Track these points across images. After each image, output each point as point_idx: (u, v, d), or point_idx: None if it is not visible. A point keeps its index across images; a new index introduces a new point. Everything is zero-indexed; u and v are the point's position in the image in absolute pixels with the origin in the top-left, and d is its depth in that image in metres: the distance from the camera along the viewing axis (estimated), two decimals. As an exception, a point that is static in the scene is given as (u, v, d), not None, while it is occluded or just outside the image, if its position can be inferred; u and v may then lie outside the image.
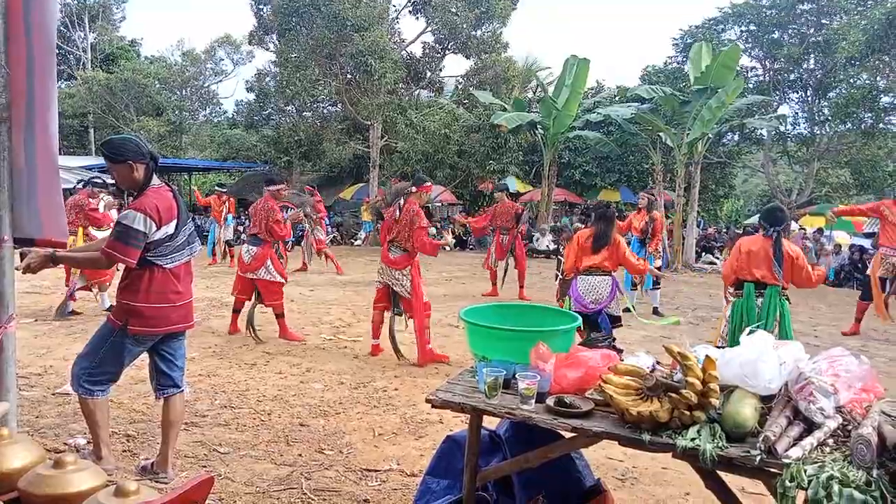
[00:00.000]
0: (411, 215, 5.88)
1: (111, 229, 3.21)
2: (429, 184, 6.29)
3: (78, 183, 8.08)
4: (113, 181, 3.52)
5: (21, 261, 3.01)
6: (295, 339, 6.66)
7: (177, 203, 3.24)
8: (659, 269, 9.12)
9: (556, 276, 9.74)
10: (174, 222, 3.19)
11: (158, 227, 3.11)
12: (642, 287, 9.01)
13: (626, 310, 9.12)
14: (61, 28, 27.23)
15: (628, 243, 9.20)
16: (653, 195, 9.51)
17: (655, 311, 9.03)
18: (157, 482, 3.26)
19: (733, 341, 5.09)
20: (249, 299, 6.79)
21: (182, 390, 3.44)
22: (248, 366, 5.68)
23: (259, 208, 6.68)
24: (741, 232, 14.06)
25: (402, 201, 5.97)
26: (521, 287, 10.12)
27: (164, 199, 3.16)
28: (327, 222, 21.42)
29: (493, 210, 10.47)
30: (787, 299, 5.13)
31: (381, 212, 6.31)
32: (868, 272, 8.32)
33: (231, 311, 7.02)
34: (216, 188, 14.74)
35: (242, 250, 6.70)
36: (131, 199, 3.39)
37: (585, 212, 6.17)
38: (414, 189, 6.04)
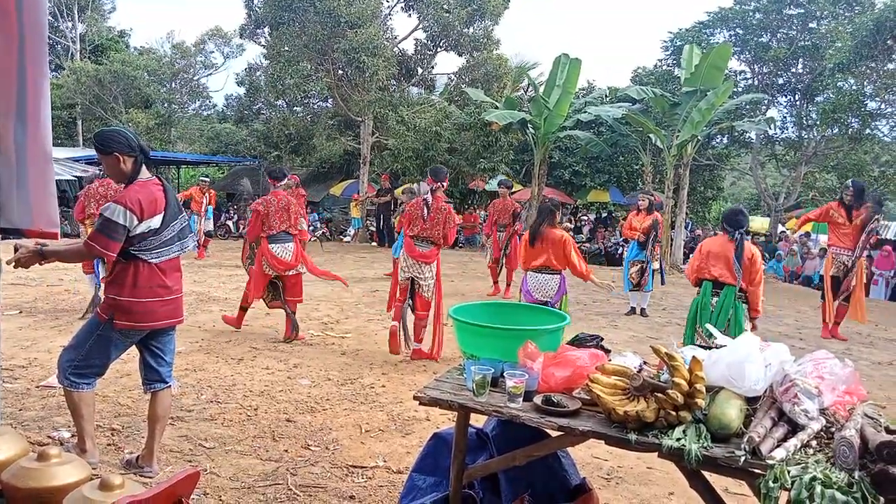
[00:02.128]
0: (445, 214, 6.01)
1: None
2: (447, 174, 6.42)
3: (97, 174, 7.87)
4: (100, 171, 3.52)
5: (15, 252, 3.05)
6: (300, 338, 6.63)
7: (166, 197, 3.21)
8: (655, 272, 9.13)
9: (508, 284, 9.79)
10: (159, 217, 3.16)
11: (140, 221, 3.08)
12: (644, 288, 8.97)
13: (633, 310, 9.18)
14: (49, 18, 26.94)
15: (626, 241, 9.22)
16: (652, 195, 9.50)
17: (642, 312, 9.08)
18: (141, 476, 3.25)
19: (688, 336, 5.33)
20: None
21: (169, 385, 3.42)
22: (234, 361, 5.66)
23: (281, 205, 6.50)
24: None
25: (430, 198, 5.99)
26: (508, 286, 10.14)
27: (149, 193, 3.14)
28: (316, 217, 21.35)
29: (493, 206, 10.57)
30: (745, 302, 5.31)
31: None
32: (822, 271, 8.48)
33: (239, 308, 6.92)
34: (201, 179, 14.63)
35: (276, 250, 6.49)
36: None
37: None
38: (444, 185, 6.14)
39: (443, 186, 6.13)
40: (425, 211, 5.96)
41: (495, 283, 10.46)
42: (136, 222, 3.07)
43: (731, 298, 5.18)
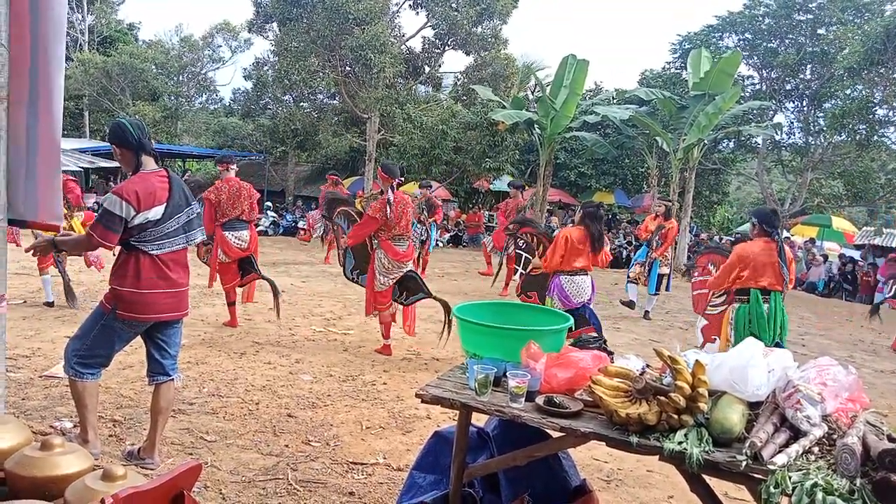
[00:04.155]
0: (408, 206, 5.96)
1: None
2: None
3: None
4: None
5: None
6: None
7: (170, 189, 3.22)
8: (662, 276, 9.14)
9: (519, 272, 9.57)
10: (159, 208, 3.16)
11: (137, 212, 3.09)
12: (648, 290, 9.00)
13: (630, 303, 9.17)
14: (59, 8, 26.85)
15: (638, 247, 9.31)
16: (670, 202, 9.59)
17: (646, 315, 9.08)
18: (143, 468, 3.25)
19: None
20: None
21: (171, 379, 3.42)
22: (237, 355, 5.67)
23: (232, 192, 6.46)
24: (733, 240, 14.14)
25: (391, 196, 5.80)
26: (506, 285, 10.15)
27: (148, 185, 3.15)
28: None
29: (506, 205, 10.66)
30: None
31: (361, 212, 6.25)
32: None
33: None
34: None
35: (229, 238, 6.49)
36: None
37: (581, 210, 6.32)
38: (403, 179, 6.09)
39: (401, 181, 6.07)
40: (388, 210, 5.76)
41: (489, 264, 10.70)
42: (133, 213, 3.08)
43: (781, 304, 5.02)
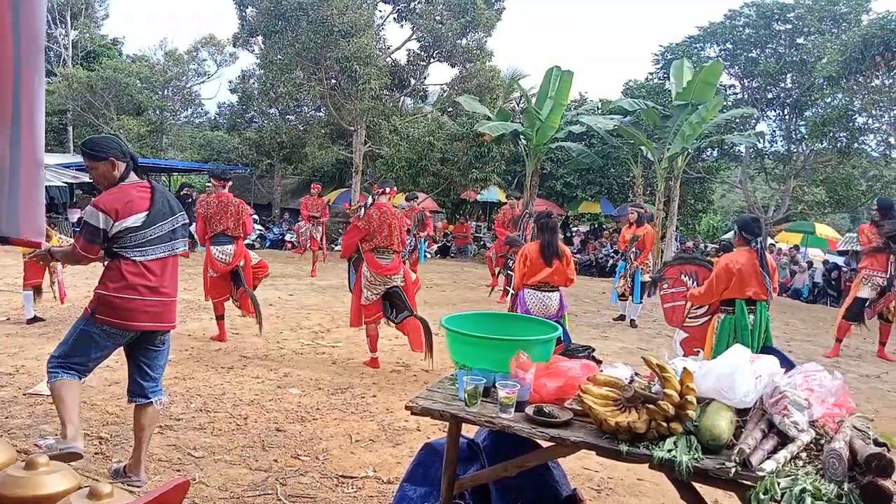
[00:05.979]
0: (399, 218, 5.90)
1: None
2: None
3: None
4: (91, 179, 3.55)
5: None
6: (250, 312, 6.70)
7: (152, 198, 3.23)
8: (645, 284, 9.11)
9: (506, 290, 9.38)
10: (138, 216, 3.17)
11: (115, 221, 3.12)
12: (633, 300, 9.01)
13: (622, 318, 9.22)
14: (42, 23, 26.65)
15: (620, 253, 9.34)
16: (642, 208, 9.50)
17: (632, 323, 9.11)
18: (129, 485, 3.21)
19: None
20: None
21: (150, 402, 3.34)
22: (224, 369, 5.63)
23: (221, 206, 6.55)
24: (718, 248, 14.24)
25: (369, 201, 5.82)
26: (504, 292, 10.17)
27: (124, 195, 3.18)
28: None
29: (503, 216, 10.69)
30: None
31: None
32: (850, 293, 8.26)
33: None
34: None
35: (214, 252, 6.57)
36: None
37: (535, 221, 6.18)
38: (388, 190, 6.03)
39: (388, 193, 6.00)
40: (361, 212, 5.75)
41: (494, 276, 10.75)
42: (111, 223, 3.12)
43: (766, 313, 4.97)
